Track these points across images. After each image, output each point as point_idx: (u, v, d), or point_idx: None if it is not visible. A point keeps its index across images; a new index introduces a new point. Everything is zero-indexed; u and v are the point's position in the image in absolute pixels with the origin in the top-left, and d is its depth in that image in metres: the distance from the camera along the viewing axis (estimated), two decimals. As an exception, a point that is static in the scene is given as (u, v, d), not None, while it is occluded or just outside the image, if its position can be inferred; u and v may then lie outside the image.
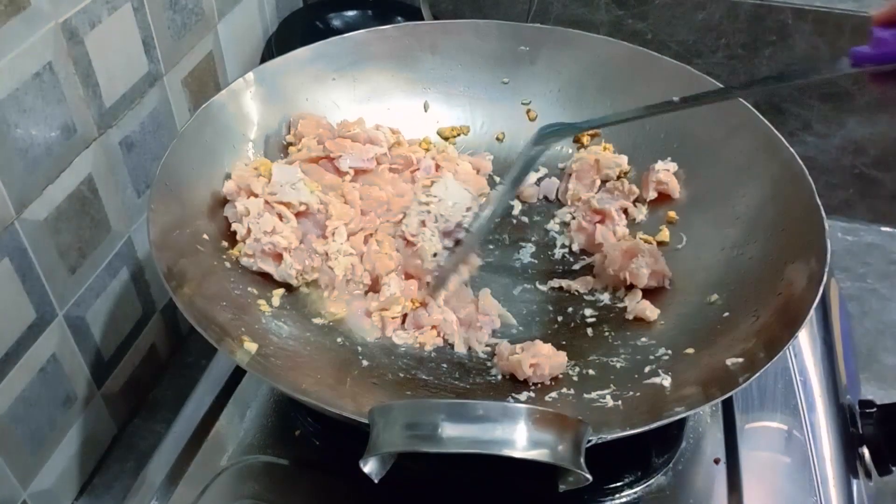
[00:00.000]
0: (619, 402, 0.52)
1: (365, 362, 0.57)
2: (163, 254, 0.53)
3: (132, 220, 0.69)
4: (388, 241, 0.63)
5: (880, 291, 0.88)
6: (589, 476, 0.40)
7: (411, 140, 0.73)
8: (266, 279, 0.60)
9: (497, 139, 0.75)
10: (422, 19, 0.86)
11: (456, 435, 0.38)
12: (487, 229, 0.65)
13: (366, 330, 0.60)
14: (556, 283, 0.64)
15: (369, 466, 0.41)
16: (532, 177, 0.72)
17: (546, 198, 0.73)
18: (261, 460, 0.56)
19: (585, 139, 0.74)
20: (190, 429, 0.59)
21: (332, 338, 0.58)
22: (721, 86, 0.67)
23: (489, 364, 0.58)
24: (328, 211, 0.62)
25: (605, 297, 0.63)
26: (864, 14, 0.82)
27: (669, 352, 0.56)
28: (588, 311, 0.62)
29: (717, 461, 0.56)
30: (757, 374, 0.47)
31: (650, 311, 0.60)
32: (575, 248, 0.68)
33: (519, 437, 0.38)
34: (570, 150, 0.74)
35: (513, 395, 0.55)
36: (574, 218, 0.69)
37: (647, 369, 0.55)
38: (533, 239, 0.69)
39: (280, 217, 0.60)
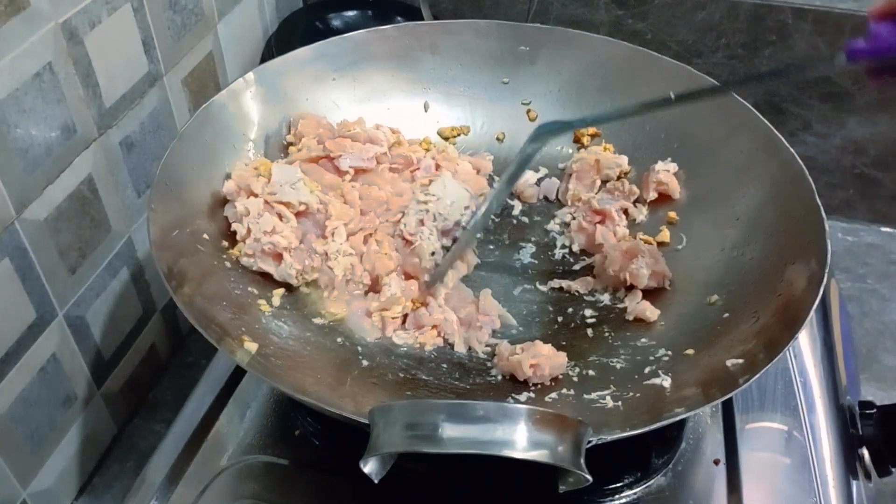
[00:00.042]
0: (619, 403, 0.52)
1: (365, 362, 0.57)
2: (163, 254, 0.53)
3: (132, 220, 0.69)
4: (387, 240, 0.63)
5: (880, 292, 0.88)
6: (589, 477, 0.40)
7: (411, 140, 0.72)
8: (266, 279, 0.60)
9: (497, 139, 0.75)
10: (422, 19, 0.86)
11: (456, 435, 0.39)
12: (483, 226, 0.65)
13: (366, 330, 0.60)
14: (556, 283, 0.64)
15: (369, 466, 0.41)
16: (532, 177, 0.72)
17: (546, 198, 0.73)
18: (261, 460, 0.56)
19: (585, 139, 0.74)
20: (190, 429, 0.59)
21: (333, 338, 0.58)
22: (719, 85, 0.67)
23: (489, 364, 0.58)
24: (328, 211, 0.62)
25: (606, 298, 0.63)
26: (863, 14, 0.82)
27: (669, 352, 0.56)
28: (588, 312, 0.62)
29: (716, 462, 0.56)
30: (757, 375, 0.47)
31: (650, 311, 0.60)
32: (575, 248, 0.68)
33: (519, 437, 0.38)
34: (571, 151, 0.74)
35: (513, 395, 0.55)
36: (574, 218, 0.69)
37: (647, 370, 0.55)
38: (533, 239, 0.69)
39: (280, 217, 0.60)
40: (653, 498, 0.54)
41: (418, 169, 0.69)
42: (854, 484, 0.57)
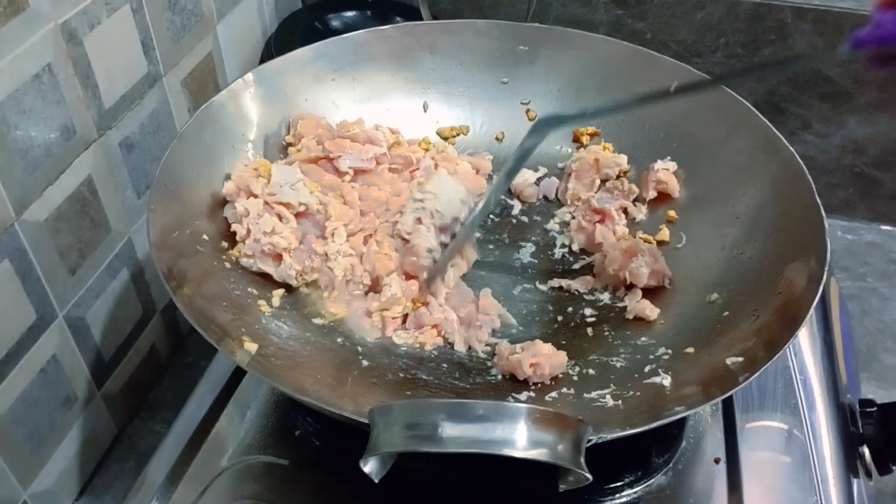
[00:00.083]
0: (619, 402, 0.52)
1: (365, 362, 0.57)
2: (163, 254, 0.53)
3: (132, 220, 0.69)
4: (387, 241, 0.63)
5: (880, 291, 0.88)
6: (589, 476, 0.40)
7: (411, 140, 0.73)
8: (266, 279, 0.60)
9: (497, 139, 0.75)
10: (421, 19, 0.86)
11: (456, 435, 0.39)
12: (482, 220, 0.65)
13: (366, 330, 0.60)
14: (556, 282, 0.64)
15: (369, 466, 0.41)
16: (531, 176, 0.72)
17: (546, 197, 0.73)
18: (261, 460, 0.56)
19: (585, 139, 0.74)
20: (190, 429, 0.59)
21: (333, 338, 0.58)
22: (720, 85, 0.67)
23: (489, 364, 0.58)
24: (328, 212, 0.62)
25: (605, 297, 0.63)
26: (863, 13, 0.82)
27: (669, 351, 0.56)
28: (588, 311, 0.62)
29: (717, 461, 0.56)
30: (757, 374, 0.47)
31: (650, 310, 0.60)
32: (575, 247, 0.68)
33: (519, 436, 0.38)
34: (570, 150, 0.74)
35: (513, 394, 0.55)
36: (574, 217, 0.69)
37: (647, 369, 0.55)
38: (533, 239, 0.69)
39: (280, 218, 0.60)
40: (653, 497, 0.54)
41: (418, 169, 0.69)
42: (854, 482, 0.57)
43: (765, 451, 0.58)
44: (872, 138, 0.90)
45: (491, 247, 0.68)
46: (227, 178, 0.63)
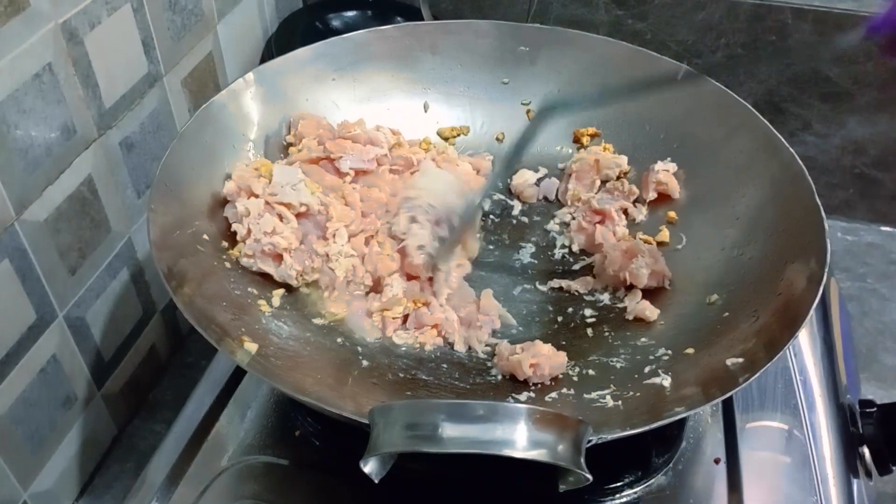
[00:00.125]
0: (619, 402, 0.52)
1: (365, 362, 0.57)
2: (163, 254, 0.53)
3: (132, 220, 0.69)
4: (389, 242, 0.63)
5: (880, 291, 0.88)
6: (589, 476, 0.40)
7: (411, 140, 0.72)
8: (266, 279, 0.60)
9: (497, 139, 0.75)
10: (422, 19, 0.86)
11: (456, 435, 0.39)
12: (478, 210, 0.65)
13: (366, 330, 0.60)
14: (556, 283, 0.64)
15: (369, 466, 0.41)
16: (532, 177, 0.72)
17: (546, 198, 0.73)
18: (261, 460, 0.56)
19: (585, 139, 0.74)
20: (190, 429, 0.59)
21: (333, 338, 0.58)
22: (719, 85, 0.67)
23: (489, 364, 0.58)
24: (329, 212, 0.62)
25: (605, 298, 0.63)
26: (863, 13, 0.82)
27: (669, 352, 0.56)
28: (588, 312, 0.62)
29: (717, 461, 0.56)
30: (757, 374, 0.47)
31: (650, 311, 0.60)
32: (575, 248, 0.68)
33: (519, 437, 0.38)
34: (571, 151, 0.74)
35: (513, 395, 0.55)
36: (574, 218, 0.69)
37: (647, 369, 0.55)
38: (533, 239, 0.69)
39: (280, 218, 0.60)
40: (653, 497, 0.54)
41: (419, 170, 0.69)
42: (854, 482, 0.57)
43: (765, 452, 0.58)
44: (872, 138, 0.90)
45: (491, 247, 0.68)
46: (228, 177, 0.63)
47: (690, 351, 0.55)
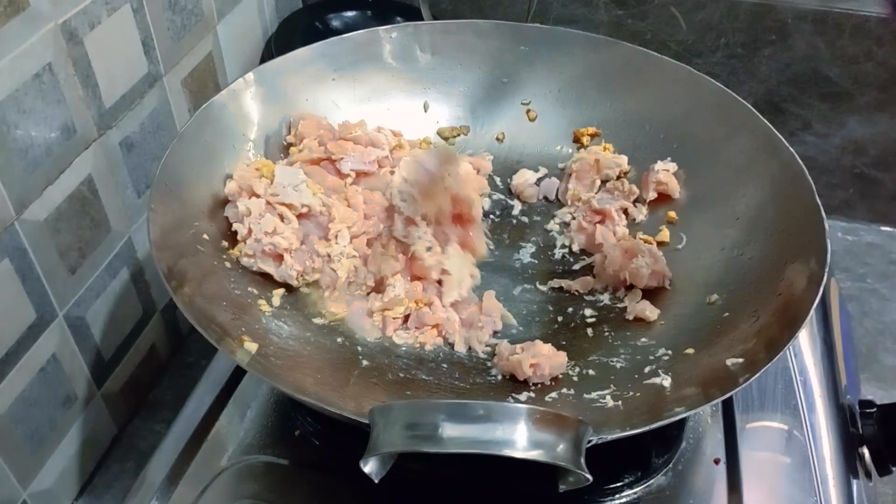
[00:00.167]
0: (619, 403, 0.52)
1: (365, 362, 0.57)
2: (163, 254, 0.53)
3: (132, 220, 0.69)
4: (393, 243, 0.63)
5: (880, 291, 0.88)
6: (589, 476, 0.39)
7: (411, 141, 0.72)
8: (266, 279, 0.60)
9: (497, 139, 0.75)
10: (422, 19, 0.86)
11: (456, 435, 0.38)
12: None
13: (366, 330, 0.60)
14: (556, 283, 0.64)
15: (369, 466, 0.41)
16: (532, 177, 0.72)
17: (546, 198, 0.73)
18: (261, 460, 0.56)
19: (585, 139, 0.74)
20: (190, 429, 0.59)
21: (333, 338, 0.58)
22: (719, 85, 0.67)
23: (489, 364, 0.58)
24: (331, 213, 0.62)
25: (605, 298, 0.63)
26: (863, 13, 0.82)
27: (669, 352, 0.56)
28: (588, 312, 0.62)
29: (717, 461, 0.56)
30: (757, 375, 0.47)
31: (650, 311, 0.60)
32: (575, 248, 0.68)
33: (519, 437, 0.38)
34: (570, 151, 0.74)
35: (513, 395, 0.55)
36: (574, 218, 0.69)
37: (647, 369, 0.55)
38: (533, 239, 0.69)
39: (281, 218, 0.60)
40: (653, 497, 0.54)
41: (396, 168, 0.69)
42: (854, 483, 0.57)
43: (765, 452, 0.58)
44: (872, 138, 0.90)
45: (491, 247, 0.68)
46: (229, 177, 0.62)
47: (690, 351, 0.55)
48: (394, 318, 0.60)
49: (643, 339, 0.58)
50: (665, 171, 0.68)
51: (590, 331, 0.60)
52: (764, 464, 0.57)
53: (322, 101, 0.71)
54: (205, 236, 0.59)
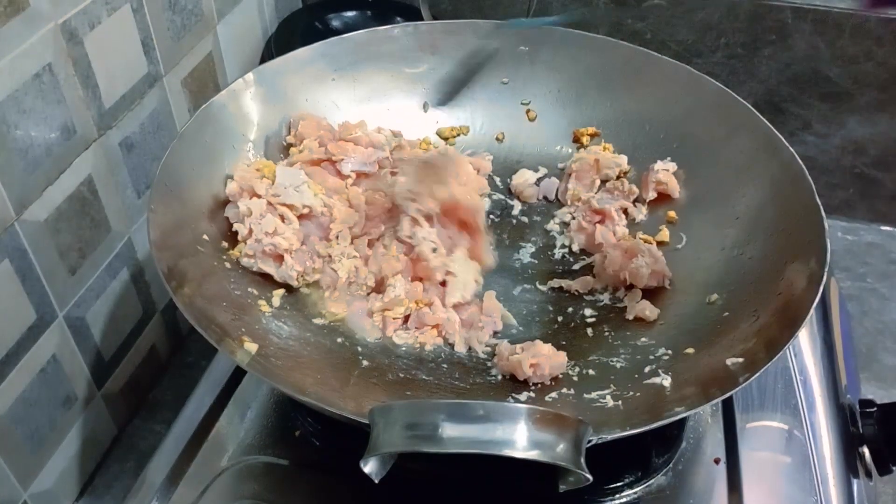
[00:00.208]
0: (619, 402, 0.52)
1: (365, 362, 0.57)
2: (163, 254, 0.53)
3: (132, 220, 0.69)
4: (395, 244, 0.63)
5: (880, 291, 0.88)
6: (589, 476, 0.39)
7: (411, 141, 0.72)
8: (266, 279, 0.60)
9: (497, 139, 0.75)
10: (422, 19, 0.86)
11: (456, 435, 0.38)
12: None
13: (366, 330, 0.60)
14: (556, 283, 0.64)
15: (369, 467, 0.41)
16: (532, 177, 0.72)
17: (546, 198, 0.73)
18: (261, 460, 0.56)
19: (585, 139, 0.74)
20: (190, 429, 0.59)
21: (333, 338, 0.58)
22: (719, 85, 0.67)
23: (489, 364, 0.58)
24: (332, 214, 0.62)
25: (605, 297, 0.63)
26: (863, 14, 0.82)
27: (669, 352, 0.56)
28: (588, 311, 0.62)
29: (717, 461, 0.56)
30: (757, 374, 0.47)
31: (650, 311, 0.60)
32: (575, 248, 0.68)
33: (519, 437, 0.38)
34: (570, 151, 0.74)
35: (513, 395, 0.55)
36: (574, 218, 0.69)
37: (647, 369, 0.55)
38: (533, 239, 0.69)
39: (282, 219, 0.60)
40: (653, 497, 0.54)
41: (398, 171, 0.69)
42: (854, 482, 0.57)
43: (765, 452, 0.58)
44: (872, 138, 0.90)
45: (491, 247, 0.68)
46: (229, 178, 0.62)
47: (690, 351, 0.55)
48: (394, 319, 0.60)
49: (643, 339, 0.58)
50: (665, 171, 0.68)
51: (590, 331, 0.61)
52: (764, 463, 0.57)
53: (322, 102, 0.71)
54: (205, 237, 0.59)
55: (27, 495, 0.61)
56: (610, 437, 0.44)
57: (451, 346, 0.59)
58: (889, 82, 0.86)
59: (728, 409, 0.60)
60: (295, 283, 0.60)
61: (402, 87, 0.74)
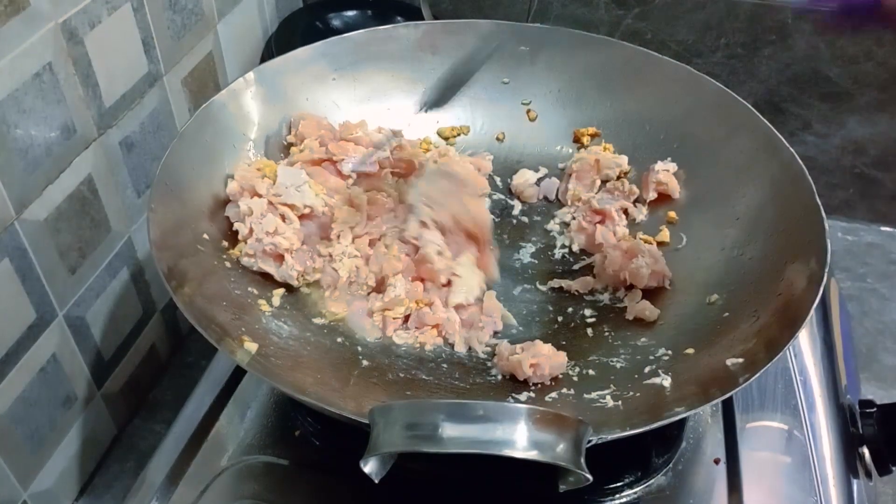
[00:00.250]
0: (619, 403, 0.52)
1: (365, 362, 0.57)
2: (163, 254, 0.53)
3: (132, 220, 0.69)
4: (396, 243, 0.63)
5: (880, 291, 0.88)
6: (589, 476, 0.39)
7: (411, 141, 0.72)
8: (266, 279, 0.60)
9: (497, 139, 0.75)
10: (422, 19, 0.86)
11: (456, 435, 0.38)
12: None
13: (366, 330, 0.60)
14: (556, 283, 0.64)
15: (369, 466, 0.41)
16: (532, 177, 0.72)
17: (546, 198, 0.73)
18: (261, 460, 0.56)
19: (585, 139, 0.74)
20: (190, 429, 0.59)
21: (333, 338, 0.58)
22: (719, 85, 0.67)
23: (489, 364, 0.58)
24: (333, 214, 0.62)
25: (605, 298, 0.63)
26: (863, 13, 0.82)
27: (669, 352, 0.56)
28: (588, 312, 0.62)
29: (717, 461, 0.56)
30: (757, 375, 0.47)
31: (650, 311, 0.60)
32: (575, 248, 0.68)
33: (519, 437, 0.38)
34: (571, 151, 0.74)
35: (513, 395, 0.55)
36: (574, 218, 0.69)
37: (647, 369, 0.55)
38: (533, 239, 0.69)
39: (283, 218, 0.60)
40: (653, 497, 0.54)
41: (419, 174, 0.69)
42: (854, 483, 0.57)
43: (765, 452, 0.58)
44: (872, 138, 0.90)
45: (491, 247, 0.68)
46: (230, 177, 0.62)
47: (690, 351, 0.55)
48: (394, 318, 0.60)
49: (643, 339, 0.58)
50: (665, 171, 0.68)
51: (590, 331, 0.61)
52: (764, 464, 0.57)
53: (322, 101, 0.71)
54: (205, 236, 0.59)
55: (27, 495, 0.61)
56: (610, 437, 0.44)
57: (452, 346, 0.59)
58: (889, 82, 0.86)
59: (728, 410, 0.60)
60: (295, 283, 0.60)
61: (403, 87, 0.74)
